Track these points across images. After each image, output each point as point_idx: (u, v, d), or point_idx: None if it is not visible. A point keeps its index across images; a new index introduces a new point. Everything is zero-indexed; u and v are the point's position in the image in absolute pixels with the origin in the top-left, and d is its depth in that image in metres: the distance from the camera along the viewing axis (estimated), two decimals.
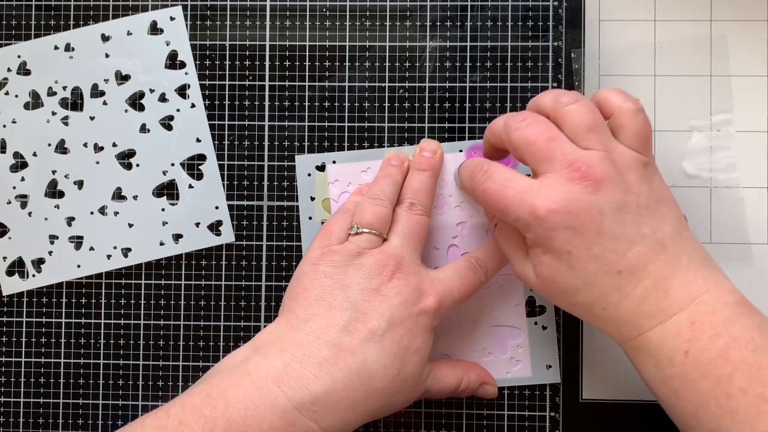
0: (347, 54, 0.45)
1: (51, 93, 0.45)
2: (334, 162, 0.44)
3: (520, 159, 0.36)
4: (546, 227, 0.34)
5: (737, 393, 0.31)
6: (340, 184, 0.44)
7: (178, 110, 0.45)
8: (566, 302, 0.36)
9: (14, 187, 0.45)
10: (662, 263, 0.34)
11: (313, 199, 0.44)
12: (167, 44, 0.45)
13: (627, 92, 0.36)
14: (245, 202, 0.45)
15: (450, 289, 0.38)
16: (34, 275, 0.45)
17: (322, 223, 0.44)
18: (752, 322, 0.33)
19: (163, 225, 0.45)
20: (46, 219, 0.45)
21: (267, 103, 0.45)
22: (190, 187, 0.45)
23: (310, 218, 0.44)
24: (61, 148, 0.45)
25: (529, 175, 0.36)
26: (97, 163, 0.45)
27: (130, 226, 0.45)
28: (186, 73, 0.45)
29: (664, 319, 0.33)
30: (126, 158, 0.45)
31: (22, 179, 0.45)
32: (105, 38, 0.45)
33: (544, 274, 0.35)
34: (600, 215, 0.33)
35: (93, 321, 0.45)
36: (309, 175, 0.44)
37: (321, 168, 0.44)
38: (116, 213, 0.45)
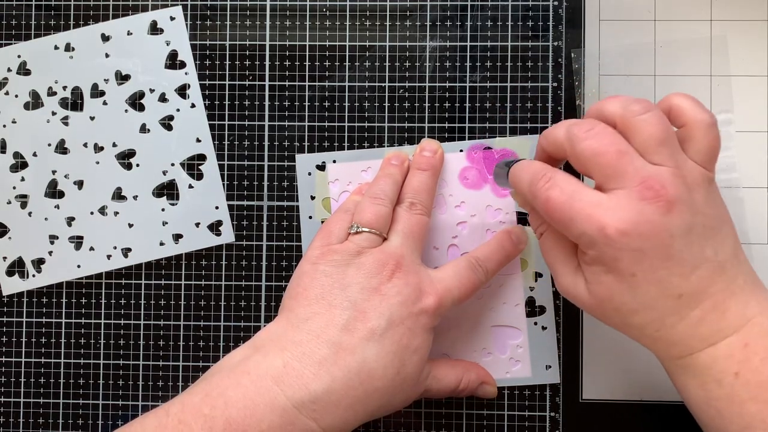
0: (347, 54, 0.45)
1: (51, 93, 0.45)
2: (334, 161, 0.44)
3: (585, 172, 0.34)
4: (614, 247, 0.32)
5: None
6: (340, 183, 0.44)
7: (178, 110, 0.45)
8: (620, 322, 0.34)
9: (14, 187, 0.45)
10: (722, 285, 0.32)
11: (313, 198, 0.44)
12: (167, 44, 0.45)
13: (701, 102, 0.34)
14: (245, 202, 0.45)
15: (450, 289, 0.38)
16: (34, 275, 0.45)
17: (323, 222, 0.44)
18: None
19: (163, 225, 0.45)
20: (46, 219, 0.45)
21: (267, 103, 0.45)
22: (190, 187, 0.45)
23: (311, 217, 0.44)
24: (61, 148, 0.45)
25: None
26: (97, 163, 0.45)
27: (130, 226, 0.45)
28: (186, 73, 0.45)
29: (717, 341, 0.32)
30: (126, 158, 0.45)
31: (22, 179, 0.45)
32: (105, 38, 0.45)
33: (602, 294, 0.34)
34: (670, 239, 0.32)
35: (93, 321, 0.45)
36: (309, 174, 0.44)
37: (321, 167, 0.44)
38: (116, 213, 0.45)
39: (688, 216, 0.32)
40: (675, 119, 0.34)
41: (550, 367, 0.44)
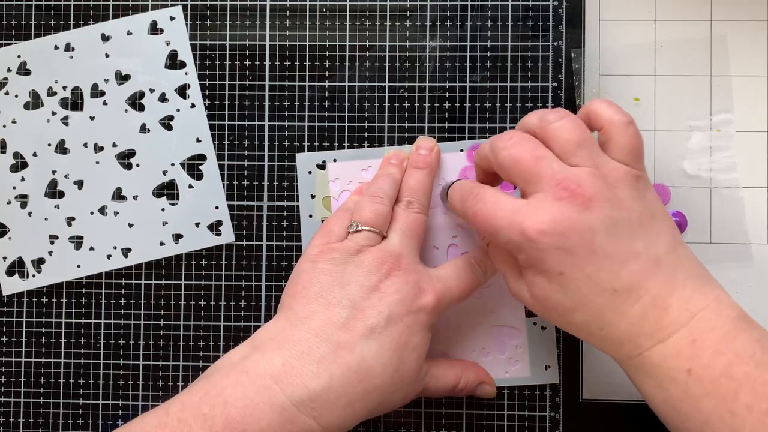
0: (347, 54, 0.45)
1: (51, 93, 0.45)
2: (334, 160, 0.44)
3: (508, 179, 0.36)
4: (537, 248, 0.33)
5: (743, 410, 0.31)
6: (340, 182, 0.44)
7: (178, 110, 0.45)
8: (563, 322, 0.35)
9: (14, 187, 0.45)
10: (658, 280, 0.33)
11: (313, 197, 0.44)
12: (167, 44, 0.45)
13: (617, 104, 0.36)
14: (245, 202, 0.45)
15: (449, 288, 0.38)
16: (34, 275, 0.45)
17: (323, 221, 0.44)
18: (753, 336, 0.32)
19: (163, 225, 0.45)
20: (46, 219, 0.45)
21: (267, 103, 0.45)
22: (190, 187, 0.45)
23: (311, 216, 0.44)
24: (61, 148, 0.45)
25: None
26: (97, 163, 0.45)
27: (130, 226, 0.45)
28: (186, 73, 0.45)
29: (664, 338, 0.32)
30: (126, 158, 0.45)
31: (22, 179, 0.45)
32: (105, 38, 0.45)
33: (539, 295, 0.35)
34: (592, 234, 0.32)
35: (93, 321, 0.45)
36: (309, 173, 0.44)
37: (322, 166, 0.44)
38: (116, 213, 0.45)
39: (610, 212, 0.33)
40: (594, 123, 0.36)
41: (549, 367, 0.44)
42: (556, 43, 0.44)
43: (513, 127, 0.44)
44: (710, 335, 0.32)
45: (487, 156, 0.37)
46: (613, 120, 0.35)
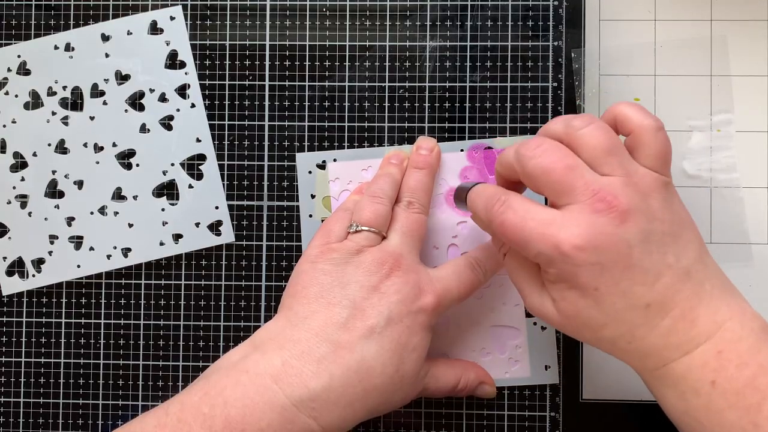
0: (347, 54, 0.45)
1: (51, 93, 0.45)
2: (334, 160, 0.44)
3: (537, 190, 0.34)
4: (571, 263, 0.31)
5: (765, 422, 0.30)
6: (340, 182, 0.44)
7: (178, 110, 0.45)
8: (591, 337, 0.34)
9: (14, 187, 0.45)
10: (688, 292, 0.32)
11: (313, 196, 0.44)
12: (167, 44, 0.45)
13: (645, 108, 0.34)
14: (245, 202, 0.45)
15: (449, 288, 0.38)
16: (34, 275, 0.45)
17: (323, 221, 0.44)
18: None
19: (163, 225, 0.45)
20: (46, 219, 0.45)
21: (267, 103, 0.45)
22: (190, 187, 0.45)
23: (311, 216, 0.44)
24: (61, 148, 0.45)
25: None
26: (97, 163, 0.45)
27: (130, 226, 0.45)
28: (186, 73, 0.45)
29: (690, 349, 0.32)
30: (126, 158, 0.45)
31: (22, 179, 0.45)
32: (105, 38, 0.45)
33: (568, 311, 0.33)
34: (628, 249, 0.31)
35: (93, 321, 0.45)
36: (310, 172, 0.44)
37: (322, 166, 0.44)
38: (116, 213, 0.45)
39: (644, 223, 0.32)
40: (621, 128, 0.34)
41: (549, 367, 0.44)
42: (556, 43, 0.44)
43: (513, 127, 0.44)
44: (736, 347, 0.31)
45: (510, 164, 0.35)
46: (643, 125, 0.33)
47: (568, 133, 0.34)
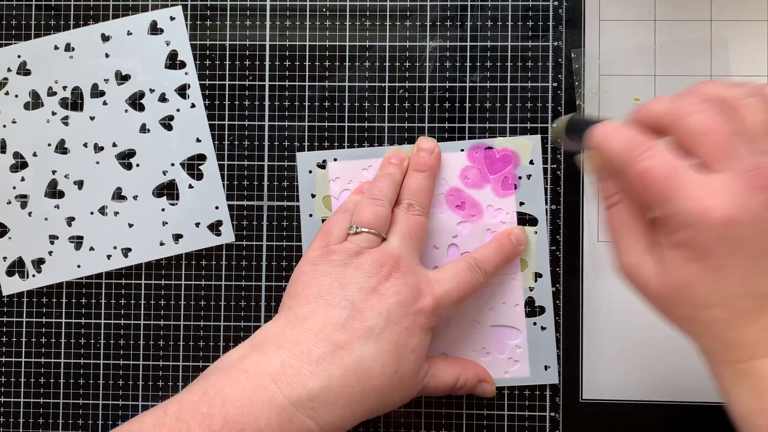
0: (347, 54, 0.45)
1: (51, 93, 0.45)
2: (335, 159, 0.44)
3: (690, 146, 0.31)
4: (712, 234, 0.29)
5: None
6: (340, 181, 0.44)
7: (178, 110, 0.45)
8: (688, 315, 0.31)
9: (14, 187, 0.45)
10: None
11: (313, 196, 0.44)
12: (167, 44, 0.45)
13: None
14: (245, 202, 0.45)
15: (448, 290, 0.38)
16: (34, 275, 0.45)
17: (323, 220, 0.44)
18: None
19: (163, 225, 0.45)
20: (46, 219, 0.45)
21: (267, 103, 0.45)
22: (190, 187, 0.45)
23: (311, 215, 0.44)
24: (61, 148, 0.45)
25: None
26: (97, 163, 0.45)
27: (130, 226, 0.45)
28: (186, 73, 0.45)
29: None
30: (126, 158, 0.45)
31: (22, 179, 0.45)
32: (105, 38, 0.45)
33: (678, 281, 0.31)
34: None
35: (93, 321, 0.45)
36: (310, 172, 0.44)
37: (322, 165, 0.44)
38: (116, 213, 0.45)
39: None
40: None
41: (548, 367, 0.44)
42: (556, 43, 0.44)
43: (513, 127, 0.44)
44: None
45: (660, 114, 0.32)
46: None
47: (730, 98, 0.31)
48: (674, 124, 0.31)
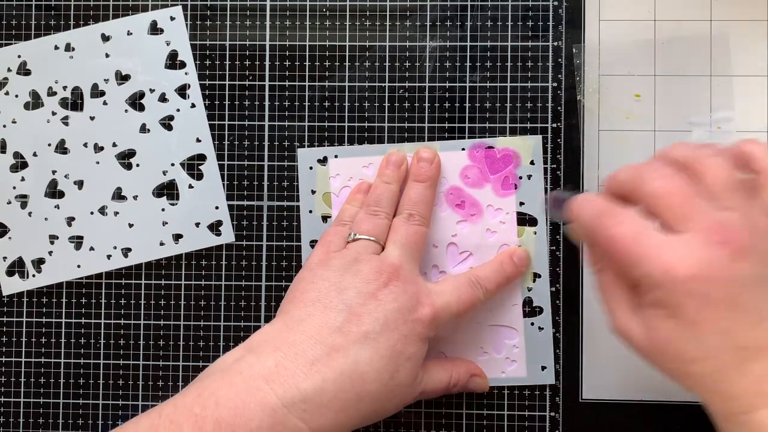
0: (347, 54, 0.45)
1: (51, 93, 0.45)
2: (336, 156, 0.44)
3: (653, 211, 0.33)
4: (678, 292, 0.31)
5: None
6: (341, 178, 0.44)
7: (178, 110, 0.45)
8: (677, 370, 0.33)
9: (14, 187, 0.45)
10: None
11: (314, 192, 0.44)
12: (167, 44, 0.45)
13: None
14: (245, 202, 0.45)
15: (447, 303, 0.38)
16: (34, 275, 0.45)
17: (323, 217, 0.44)
18: None
19: (163, 225, 0.45)
20: (46, 219, 0.45)
21: (267, 103, 0.45)
22: (190, 187, 0.45)
23: (311, 212, 0.44)
24: (61, 148, 0.45)
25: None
26: (97, 163, 0.45)
27: (130, 226, 0.45)
28: (186, 73, 0.45)
29: None
30: (126, 158, 0.45)
31: (22, 179, 0.45)
32: (105, 38, 0.45)
33: (660, 340, 0.32)
34: (740, 288, 0.30)
35: (93, 321, 0.45)
36: (311, 168, 0.44)
37: (322, 162, 0.44)
38: (116, 213, 0.45)
39: (758, 265, 0.31)
40: (746, 166, 0.33)
41: (545, 367, 0.44)
42: (556, 43, 0.44)
43: (513, 127, 0.44)
44: None
45: (626, 182, 0.34)
46: None
47: (694, 160, 0.33)
48: (638, 191, 0.33)
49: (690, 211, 0.31)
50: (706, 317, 0.31)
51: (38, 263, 0.45)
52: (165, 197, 0.45)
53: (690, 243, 0.31)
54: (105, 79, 0.45)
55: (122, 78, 0.45)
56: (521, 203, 0.43)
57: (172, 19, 0.45)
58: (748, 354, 0.31)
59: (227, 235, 0.45)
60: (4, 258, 0.45)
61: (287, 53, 0.45)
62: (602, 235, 0.33)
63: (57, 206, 0.45)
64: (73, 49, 0.45)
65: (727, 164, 0.32)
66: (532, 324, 0.44)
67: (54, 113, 0.45)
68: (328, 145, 0.45)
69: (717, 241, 0.30)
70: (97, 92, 0.45)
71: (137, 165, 0.45)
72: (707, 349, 0.31)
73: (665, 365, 0.33)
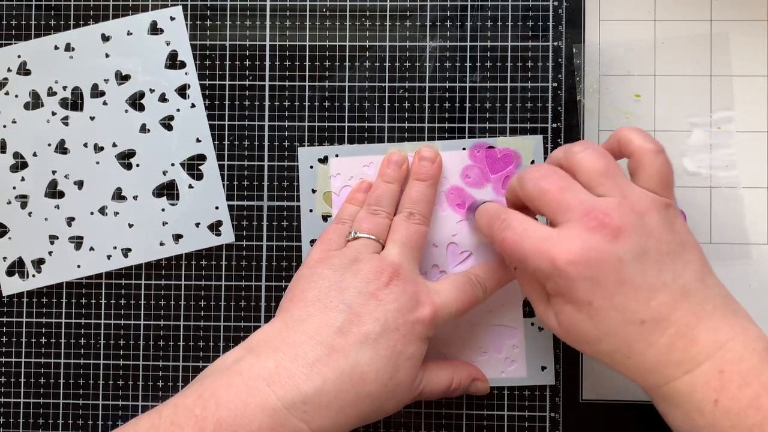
0: (347, 54, 0.45)
1: (51, 93, 0.45)
2: (336, 155, 0.44)
3: (537, 210, 0.36)
4: (565, 278, 0.33)
5: None
6: (342, 177, 0.44)
7: (178, 110, 0.45)
8: (590, 350, 0.35)
9: (14, 187, 0.45)
10: (686, 311, 0.33)
11: (314, 191, 0.44)
12: (167, 44, 0.45)
13: (647, 132, 0.36)
14: (245, 202, 0.45)
15: (447, 302, 0.38)
16: (34, 275, 0.45)
17: (323, 216, 0.44)
18: None
19: (163, 225, 0.45)
20: (46, 219, 0.45)
21: (267, 103, 0.45)
22: (190, 187, 0.45)
23: (311, 211, 0.44)
24: (61, 148, 0.45)
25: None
26: (97, 163, 0.45)
27: (130, 226, 0.45)
28: (186, 73, 0.45)
29: (691, 368, 0.32)
30: (126, 158, 0.45)
31: (22, 179, 0.45)
32: (105, 38, 0.45)
33: (566, 324, 0.35)
34: (620, 264, 0.32)
35: (93, 321, 0.45)
36: (311, 167, 0.44)
37: (323, 161, 0.44)
38: (116, 213, 0.45)
39: (639, 241, 0.33)
40: (624, 150, 0.36)
41: (545, 368, 0.44)
42: (556, 43, 0.44)
43: (513, 127, 0.44)
44: (737, 367, 0.32)
45: (514, 188, 0.37)
46: (643, 147, 0.35)
47: (567, 158, 0.36)
48: (522, 195, 0.36)
49: (565, 204, 0.34)
50: (597, 297, 0.33)
51: (38, 263, 0.45)
52: (165, 197, 0.45)
53: (569, 232, 0.33)
54: (105, 79, 0.45)
55: (122, 78, 0.45)
56: None
57: (172, 19, 0.45)
58: (648, 327, 0.33)
59: (227, 235, 0.45)
60: (4, 258, 0.45)
61: (287, 53, 0.45)
62: (496, 240, 0.36)
63: (57, 206, 0.45)
64: (73, 49, 0.45)
65: (597, 154, 0.35)
66: (532, 324, 0.44)
67: (54, 113, 0.45)
68: (328, 145, 0.45)
69: (593, 226, 0.33)
70: (97, 92, 0.45)
71: (137, 165, 0.45)
72: (607, 327, 0.33)
73: (580, 346, 0.36)
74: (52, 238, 0.45)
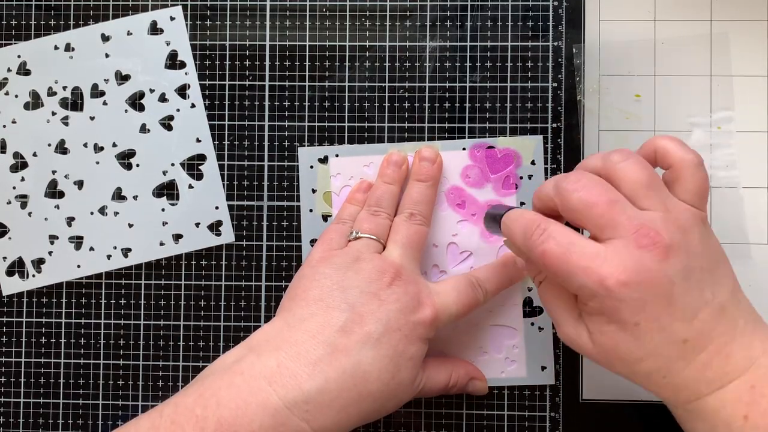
0: (347, 54, 0.45)
1: (51, 93, 0.45)
2: (336, 155, 0.44)
3: (578, 223, 0.34)
4: (615, 298, 0.31)
5: None
6: (342, 177, 0.44)
7: (178, 110, 0.45)
8: (625, 370, 0.34)
9: (14, 187, 0.45)
10: (723, 328, 0.32)
11: (314, 191, 0.44)
12: (167, 44, 0.45)
13: (684, 142, 0.34)
14: (245, 202, 0.45)
15: (447, 304, 0.38)
16: (34, 275, 0.45)
17: (323, 216, 0.44)
18: None
19: (163, 225, 0.45)
20: (46, 219, 0.45)
21: (267, 103, 0.45)
22: (190, 187, 0.45)
23: (311, 211, 0.44)
24: (61, 148, 0.45)
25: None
26: (97, 163, 0.45)
27: (130, 226, 0.45)
28: (186, 73, 0.45)
29: (724, 384, 0.32)
30: (126, 158, 0.45)
31: (22, 179, 0.45)
32: (105, 38, 0.45)
33: (606, 344, 0.33)
34: (670, 285, 0.31)
35: (93, 321, 0.45)
36: (311, 167, 0.44)
37: (323, 161, 0.44)
38: (116, 213, 0.45)
39: (686, 260, 0.32)
40: (661, 161, 0.35)
41: (545, 368, 0.44)
42: (556, 43, 0.44)
43: (513, 127, 0.44)
44: None
45: (550, 197, 0.35)
46: (685, 159, 0.33)
47: (606, 167, 0.34)
48: (561, 206, 0.34)
49: (614, 219, 0.32)
50: (644, 318, 0.32)
51: (38, 263, 0.45)
52: (165, 197, 0.45)
53: (618, 250, 0.32)
54: (105, 79, 0.45)
55: (122, 78, 0.45)
56: (522, 203, 0.43)
57: (172, 19, 0.45)
58: (690, 346, 0.32)
59: (227, 235, 0.45)
60: (4, 258, 0.45)
61: (287, 53, 0.45)
62: (534, 251, 0.34)
63: (57, 206, 0.45)
64: (73, 49, 0.45)
65: (639, 165, 0.33)
66: (532, 324, 0.44)
67: (54, 113, 0.45)
68: (328, 145, 0.45)
69: (644, 244, 0.31)
70: (97, 92, 0.45)
71: (137, 165, 0.45)
72: (651, 348, 0.32)
73: (615, 367, 0.34)
74: (52, 238, 0.45)
